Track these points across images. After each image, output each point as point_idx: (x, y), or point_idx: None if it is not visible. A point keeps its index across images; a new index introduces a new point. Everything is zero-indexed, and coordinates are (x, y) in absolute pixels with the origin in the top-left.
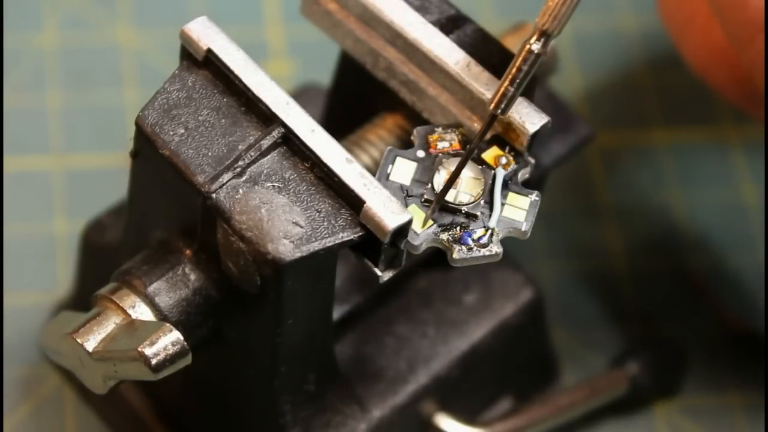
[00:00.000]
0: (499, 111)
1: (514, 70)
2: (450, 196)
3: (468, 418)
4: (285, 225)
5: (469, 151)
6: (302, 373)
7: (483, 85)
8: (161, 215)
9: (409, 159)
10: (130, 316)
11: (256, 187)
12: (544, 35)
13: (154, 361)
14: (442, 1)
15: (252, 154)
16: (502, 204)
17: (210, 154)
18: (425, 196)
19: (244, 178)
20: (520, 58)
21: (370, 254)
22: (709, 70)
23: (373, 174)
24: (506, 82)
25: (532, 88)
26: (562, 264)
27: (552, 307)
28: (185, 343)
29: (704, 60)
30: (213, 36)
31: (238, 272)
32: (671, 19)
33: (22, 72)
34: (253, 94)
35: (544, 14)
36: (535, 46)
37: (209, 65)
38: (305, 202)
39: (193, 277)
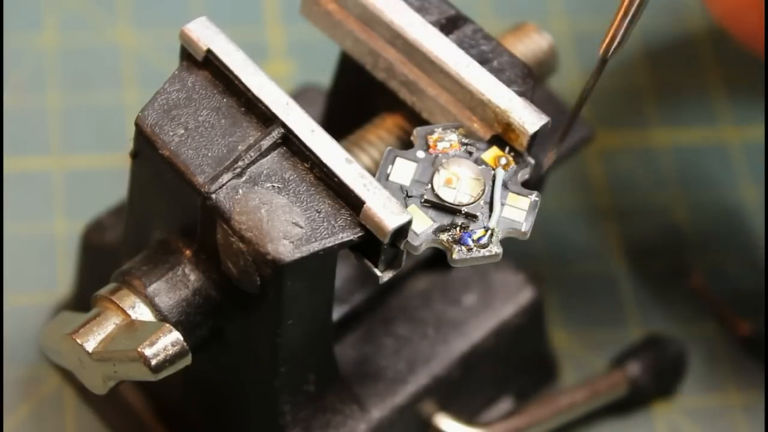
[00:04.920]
0: (609, 54)
1: (621, 12)
2: (450, 197)
3: (468, 418)
4: (285, 225)
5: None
6: (302, 374)
7: (483, 85)
8: (161, 215)
9: (408, 159)
10: (129, 316)
11: (256, 187)
12: None
13: (153, 362)
14: (442, 1)
15: (252, 154)
16: (502, 204)
17: (210, 154)
18: (425, 197)
19: (243, 178)
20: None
21: (370, 254)
22: (737, 18)
23: (373, 174)
24: (615, 25)
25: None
26: (562, 264)
27: (552, 307)
28: (185, 344)
29: (733, 7)
30: (213, 36)
31: (238, 272)
32: None
33: (22, 72)
34: (252, 94)
35: None
36: None
37: (209, 65)
38: (305, 203)
39: (192, 277)
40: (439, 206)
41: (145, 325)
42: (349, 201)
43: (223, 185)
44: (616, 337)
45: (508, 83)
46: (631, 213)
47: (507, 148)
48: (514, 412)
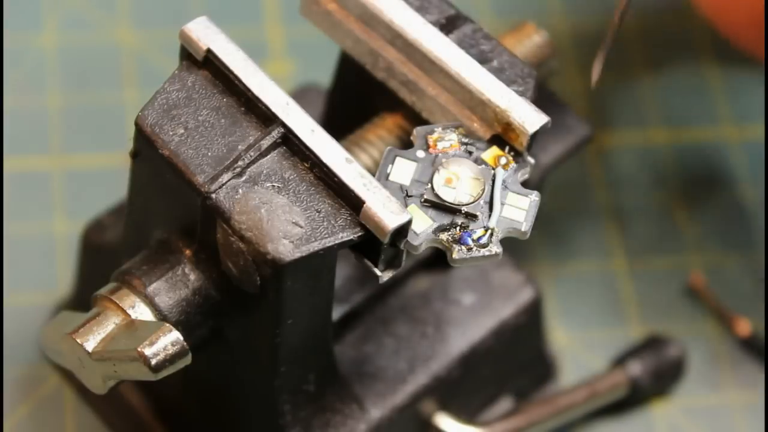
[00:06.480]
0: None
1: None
2: (450, 196)
3: (468, 418)
4: (285, 225)
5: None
6: (302, 373)
7: (483, 85)
8: (161, 215)
9: (408, 159)
10: (129, 316)
11: (256, 187)
12: None
13: (153, 361)
14: (442, 1)
15: (252, 154)
16: (502, 204)
17: (210, 154)
18: (425, 196)
19: (243, 178)
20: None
21: (370, 254)
22: (725, 11)
23: (373, 174)
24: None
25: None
26: (562, 264)
27: (552, 307)
28: (185, 343)
29: (721, 1)
30: (213, 36)
31: (238, 272)
32: None
33: (22, 72)
34: (252, 94)
35: None
36: None
37: (209, 65)
38: (305, 202)
39: (192, 277)
40: (439, 206)
41: (145, 325)
42: (349, 201)
43: (223, 185)
44: (616, 337)
45: (508, 83)
46: (631, 213)
47: (507, 148)
48: (514, 412)
